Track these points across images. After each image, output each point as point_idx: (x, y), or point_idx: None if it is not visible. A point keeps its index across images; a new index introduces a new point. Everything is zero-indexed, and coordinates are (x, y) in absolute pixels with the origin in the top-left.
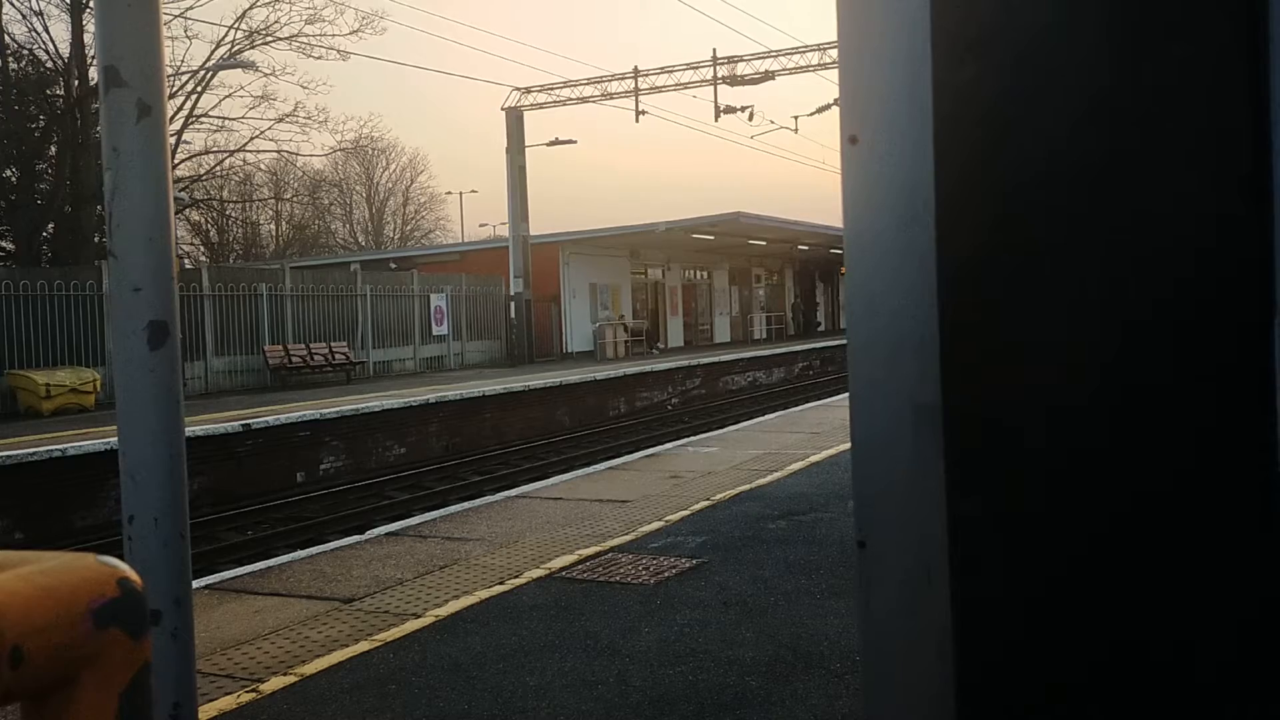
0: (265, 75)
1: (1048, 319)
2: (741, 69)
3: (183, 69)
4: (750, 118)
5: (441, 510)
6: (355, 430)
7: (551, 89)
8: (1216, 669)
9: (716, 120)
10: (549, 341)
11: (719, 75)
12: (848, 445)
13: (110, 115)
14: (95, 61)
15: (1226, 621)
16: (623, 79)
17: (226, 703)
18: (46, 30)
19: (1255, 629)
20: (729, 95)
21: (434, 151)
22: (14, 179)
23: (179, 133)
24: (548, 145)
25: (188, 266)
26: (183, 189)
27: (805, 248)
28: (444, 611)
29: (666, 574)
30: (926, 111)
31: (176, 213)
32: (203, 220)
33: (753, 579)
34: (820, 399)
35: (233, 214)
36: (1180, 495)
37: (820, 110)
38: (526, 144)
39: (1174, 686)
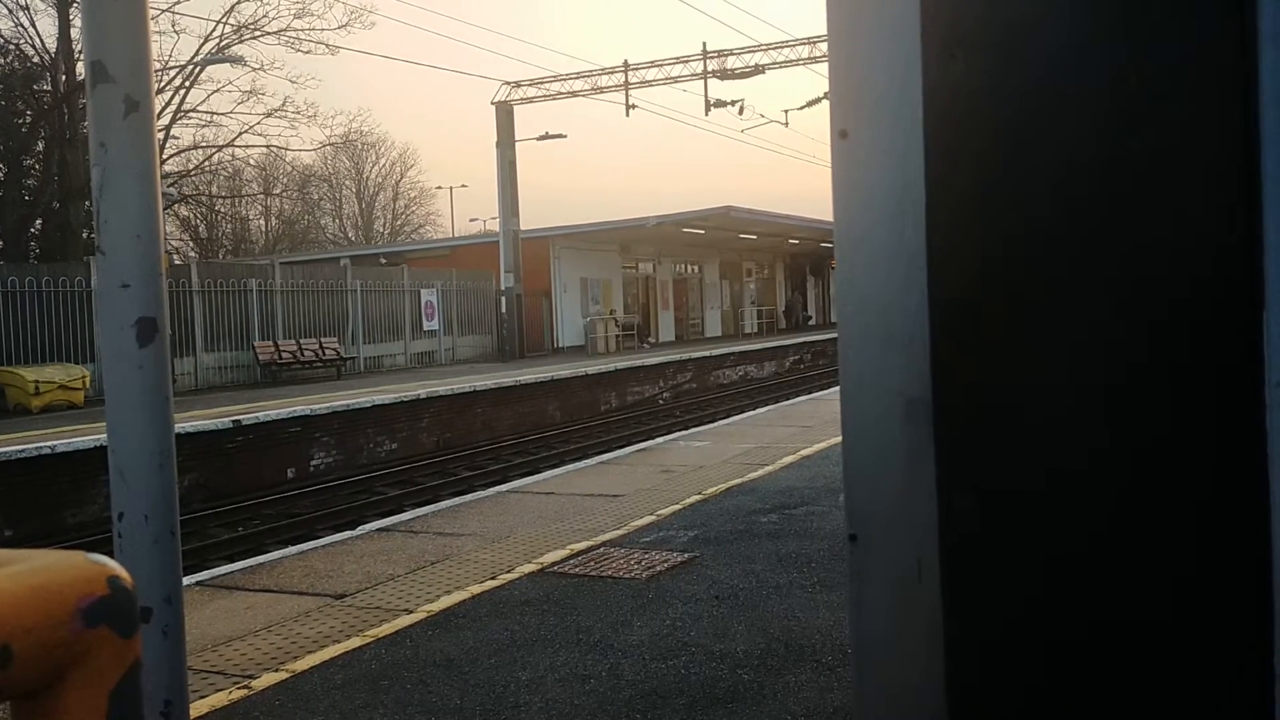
0: (253, 70)
1: (1039, 313)
2: (731, 63)
3: (170, 64)
4: (740, 112)
5: (433, 506)
6: (346, 426)
7: (541, 83)
8: (1214, 650)
9: (707, 114)
10: (540, 336)
11: (709, 69)
12: (839, 439)
13: (97, 110)
14: (82, 56)
15: (1224, 607)
16: (613, 73)
17: (218, 699)
18: (33, 25)
19: (1251, 613)
20: (719, 89)
21: (424, 146)
22: (1, 175)
23: (167, 128)
24: (538, 140)
25: (177, 262)
26: (171, 184)
27: (796, 242)
28: (436, 607)
29: (658, 568)
30: (916, 106)
31: (165, 208)
32: (191, 216)
33: (744, 573)
34: (811, 393)
35: (222, 209)
36: (1173, 488)
37: (811, 104)
38: (516, 138)
39: (1167, 674)
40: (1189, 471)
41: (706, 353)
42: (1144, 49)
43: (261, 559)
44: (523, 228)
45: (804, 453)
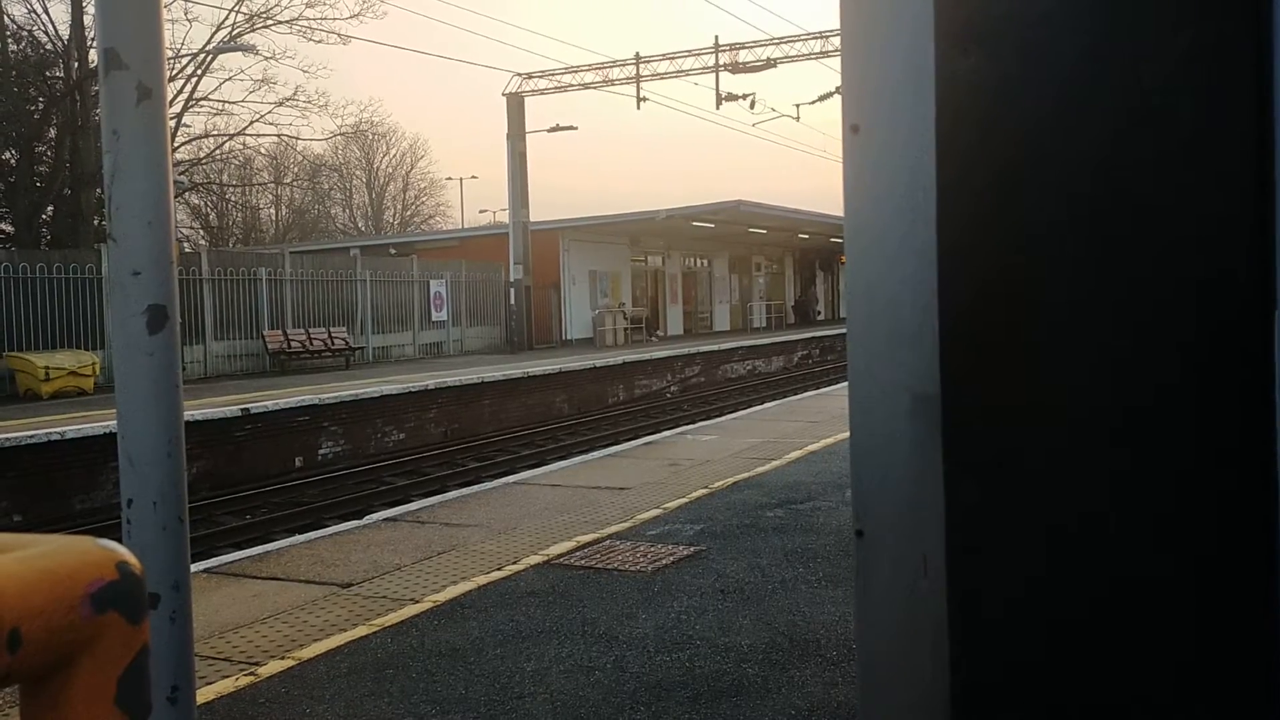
0: (265, 59)
1: (1046, 309)
2: (743, 56)
3: (183, 52)
4: (752, 105)
5: (440, 496)
6: (354, 416)
7: (553, 75)
8: (1228, 627)
9: (718, 108)
10: (548, 328)
11: (721, 62)
12: (846, 434)
13: (110, 98)
14: (95, 43)
15: (1238, 584)
16: (624, 65)
17: (224, 686)
18: (46, 11)
19: (1261, 597)
20: (730, 83)
21: (434, 137)
22: (13, 161)
23: (179, 116)
24: (548, 131)
25: (187, 250)
26: (182, 173)
27: (805, 236)
28: (442, 597)
29: (664, 561)
30: (928, 101)
31: (176, 196)
32: (202, 204)
33: (750, 567)
34: (819, 388)
35: (232, 198)
36: (1183, 485)
37: (822, 98)
38: (527, 130)
39: (1173, 666)
40: (1199, 467)
41: (714, 347)
42: (1157, 48)
43: (269, 547)
44: (532, 219)
45: (811, 448)
